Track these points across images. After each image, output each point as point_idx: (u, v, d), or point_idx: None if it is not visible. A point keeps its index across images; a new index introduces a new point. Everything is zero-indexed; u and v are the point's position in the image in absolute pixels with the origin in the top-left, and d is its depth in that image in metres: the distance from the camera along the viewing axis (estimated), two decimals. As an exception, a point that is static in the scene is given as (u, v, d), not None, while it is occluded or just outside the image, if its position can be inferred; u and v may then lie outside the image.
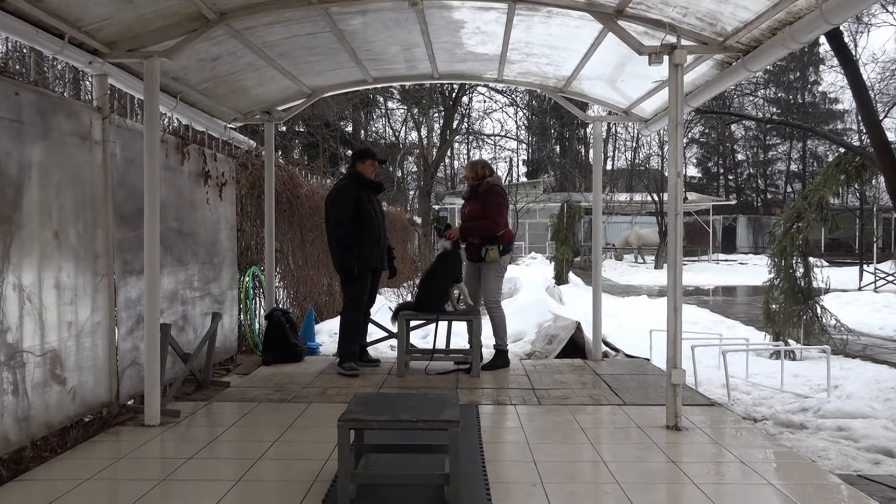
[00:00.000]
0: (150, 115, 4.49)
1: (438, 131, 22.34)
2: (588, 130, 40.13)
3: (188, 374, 5.38)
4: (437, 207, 31.37)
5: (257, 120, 7.20)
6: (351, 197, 6.04)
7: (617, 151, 41.32)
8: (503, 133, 23.98)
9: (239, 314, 7.11)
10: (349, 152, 25.57)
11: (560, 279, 19.19)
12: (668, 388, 4.44)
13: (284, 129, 19.22)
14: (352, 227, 6.01)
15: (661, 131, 26.44)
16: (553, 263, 20.32)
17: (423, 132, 21.54)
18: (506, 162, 38.78)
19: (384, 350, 7.91)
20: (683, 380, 4.47)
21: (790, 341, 8.53)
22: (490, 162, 6.56)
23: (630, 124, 31.38)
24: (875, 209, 28.34)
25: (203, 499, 3.25)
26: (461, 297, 6.32)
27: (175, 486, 3.43)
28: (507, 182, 37.28)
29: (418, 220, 21.42)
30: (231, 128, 6.99)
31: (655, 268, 27.36)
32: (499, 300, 6.39)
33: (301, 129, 22.02)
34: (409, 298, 10.59)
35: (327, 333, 8.55)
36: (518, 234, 27.62)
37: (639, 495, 3.29)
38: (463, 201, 6.62)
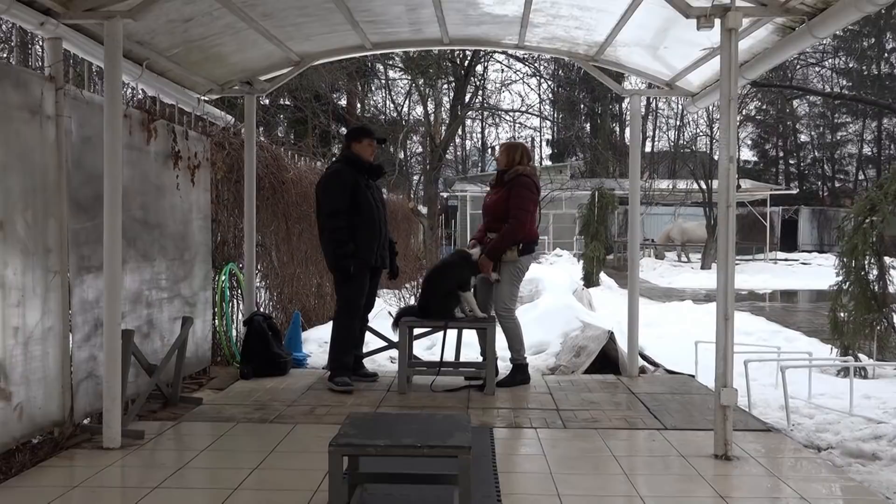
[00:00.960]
0: (112, 85, 4.51)
1: (448, 106, 22.34)
2: (624, 106, 40.07)
3: (154, 388, 5.40)
4: (445, 195, 31.42)
5: (236, 92, 7.21)
6: (346, 183, 6.05)
7: (658, 130, 41.24)
8: (524, 108, 23.94)
9: (213, 319, 7.12)
10: (343, 130, 25.68)
11: (590, 281, 19.17)
12: (717, 411, 4.43)
13: (267, 102, 19.28)
14: (347, 219, 6.02)
15: (711, 107, 26.34)
16: (581, 262, 20.31)
17: (430, 107, 21.57)
18: (527, 142, 38.83)
19: (383, 363, 7.91)
20: (735, 401, 4.46)
21: (861, 356, 8.47)
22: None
23: (674, 99, 31.46)
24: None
25: (170, 535, 3.27)
26: (468, 309, 6.29)
27: (138, 520, 3.45)
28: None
29: (423, 209, 21.47)
30: (205, 101, 7.01)
31: (702, 268, 27.29)
32: (512, 309, 6.37)
33: (287, 103, 22.08)
34: (412, 302, 10.62)
35: (316, 342, 8.56)
36: (540, 229, 27.61)
37: (681, 536, 3.28)
38: (489, 188, 6.64)
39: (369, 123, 20.75)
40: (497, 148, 6.63)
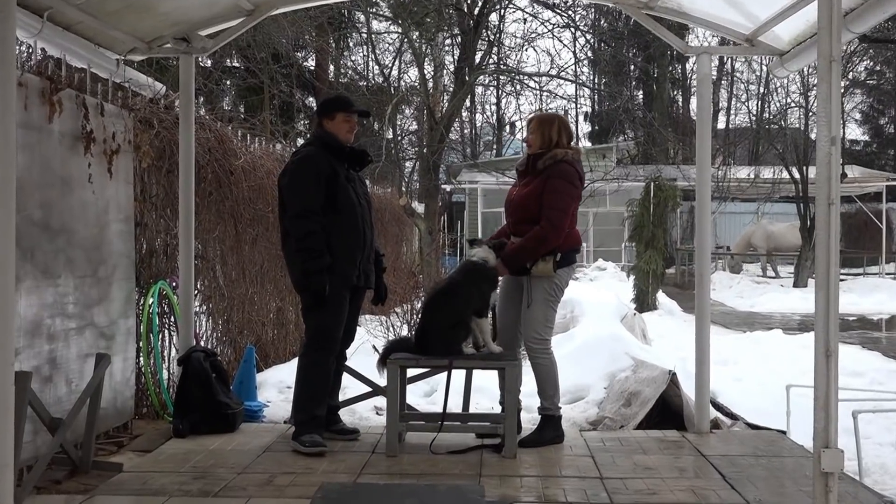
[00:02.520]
0: (2, 43, 4.52)
1: (452, 69, 22.36)
2: (689, 67, 40.09)
3: (58, 450, 5.39)
4: (448, 188, 31.45)
5: (168, 52, 7.23)
6: (319, 173, 6.07)
7: (735, 101, 41.29)
8: (554, 71, 23.91)
9: (138, 356, 7.13)
10: (311, 102, 25.76)
11: (644, 303, 19.14)
12: (816, 480, 4.42)
13: (210, 63, 19.33)
14: (321, 222, 6.04)
15: (806, 70, 26.37)
16: (633, 277, 20.28)
17: (428, 70, 21.59)
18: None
19: (366, 414, 7.91)
20: (840, 466, 4.44)
21: None
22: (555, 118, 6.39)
23: (756, 59, 31.52)
24: None
25: None
26: (481, 341, 6.28)
27: None
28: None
29: (419, 207, 21.49)
30: (128, 63, 7.04)
31: (795, 285, 27.27)
32: (548, 340, 6.38)
33: (236, 65, 22.14)
34: (405, 333, 10.60)
35: (276, 387, 8.55)
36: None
37: None
38: (516, 176, 6.62)
39: (345, 92, 20.78)
40: (525, 124, 6.60)
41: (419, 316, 6.62)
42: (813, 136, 25.40)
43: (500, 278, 6.49)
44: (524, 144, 6.58)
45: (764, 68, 31.71)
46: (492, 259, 6.23)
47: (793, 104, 31.89)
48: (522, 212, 6.29)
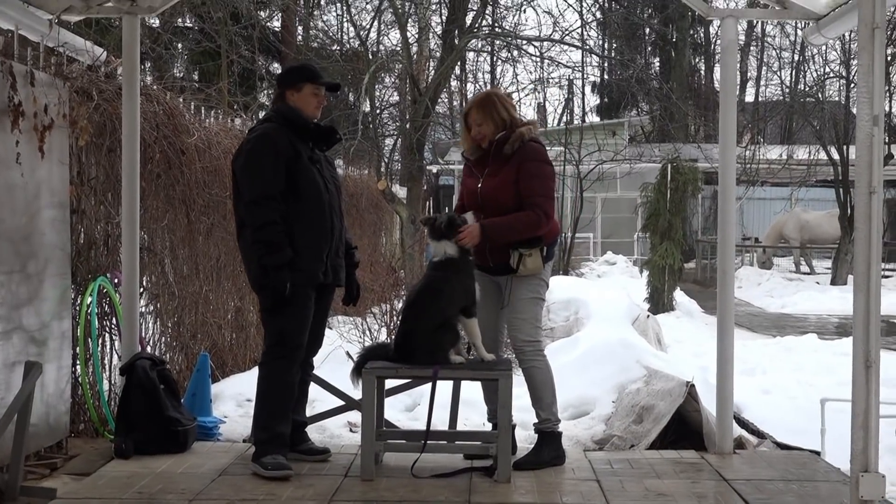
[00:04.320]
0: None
1: (439, 31, 22.32)
2: (712, 31, 40.09)
3: (-20, 474, 5.39)
4: (434, 169, 31.44)
5: (110, 10, 7.20)
6: (279, 154, 6.08)
7: (766, 69, 41.32)
8: (557, 35, 23.84)
9: (74, 364, 7.11)
10: (276, 68, 25.67)
11: (659, 303, 19.21)
12: (855, 509, 4.44)
13: (157, 22, 19.22)
14: (281, 210, 6.05)
15: (847, 36, 26.34)
16: (646, 273, 20.33)
17: (412, 32, 21.53)
18: (561, 89, 38.77)
19: (337, 431, 7.92)
20: (881, 492, 4.47)
21: None
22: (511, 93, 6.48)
23: (789, 24, 31.46)
24: None
25: None
26: (472, 346, 6.29)
27: None
28: (563, 123, 37.32)
29: (401, 192, 21.47)
30: (62, 24, 7.01)
31: (833, 282, 27.32)
32: (540, 342, 6.44)
33: (189, 25, 22.04)
34: (383, 338, 10.60)
35: (234, 400, 8.56)
36: (582, 221, 27.64)
37: None
38: (465, 166, 6.63)
39: (314, 59, 20.71)
40: (461, 118, 6.58)
41: (399, 319, 6.61)
42: (855, 110, 25.43)
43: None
44: (468, 139, 6.49)
45: (799, 33, 31.68)
46: (454, 252, 6.19)
47: (832, 74, 31.89)
48: (495, 203, 6.29)
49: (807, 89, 34.13)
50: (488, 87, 29.27)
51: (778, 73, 39.08)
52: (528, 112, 36.60)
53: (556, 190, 6.46)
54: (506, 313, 6.42)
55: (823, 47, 30.55)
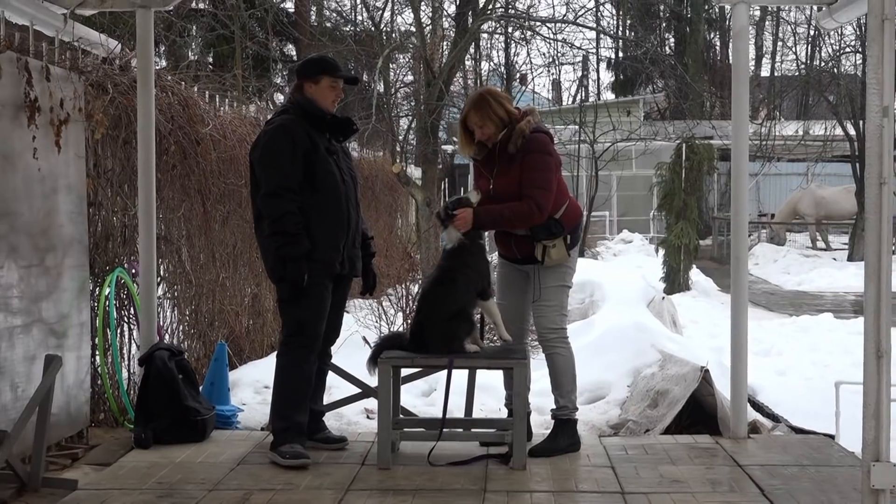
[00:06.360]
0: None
1: (452, 13, 22.22)
2: (726, 8, 39.76)
3: (3, 466, 5.43)
4: (449, 150, 31.40)
5: (124, 4, 7.20)
6: (296, 146, 6.10)
7: (782, 45, 41.05)
8: (571, 16, 23.66)
9: (93, 355, 7.16)
10: (291, 51, 25.62)
11: (675, 282, 19.19)
12: (866, 498, 4.45)
13: (171, 10, 19.19)
14: (299, 202, 6.07)
15: (859, 21, 26.06)
16: (662, 253, 20.29)
17: (425, 13, 21.43)
18: (575, 68, 38.58)
19: (355, 418, 7.95)
20: (894, 482, 4.46)
21: None
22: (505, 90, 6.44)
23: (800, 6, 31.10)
24: None
25: None
26: (489, 327, 6.36)
27: None
28: (577, 101, 37.12)
29: (415, 173, 21.43)
30: (76, 18, 7.02)
31: (850, 258, 27.15)
32: (565, 328, 6.47)
33: (201, 5, 21.95)
34: (399, 323, 10.63)
35: (252, 387, 8.59)
36: (598, 200, 27.55)
37: None
38: (475, 167, 6.64)
39: (326, 43, 20.61)
40: (459, 125, 6.55)
41: (415, 310, 6.63)
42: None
43: (498, 264, 6.59)
44: (467, 146, 6.50)
45: (812, 8, 31.46)
46: (459, 238, 6.24)
47: (848, 47, 31.65)
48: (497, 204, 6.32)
49: (822, 64, 33.92)
50: (504, 70, 29.08)
51: (793, 48, 38.84)
52: (541, 92, 36.50)
53: (562, 174, 6.40)
54: (531, 303, 6.46)
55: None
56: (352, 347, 8.91)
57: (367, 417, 7.99)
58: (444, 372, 6.38)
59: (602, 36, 32.75)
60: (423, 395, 8.59)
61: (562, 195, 6.38)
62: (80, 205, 6.76)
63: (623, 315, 10.33)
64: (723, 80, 36.64)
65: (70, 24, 6.91)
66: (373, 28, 21.82)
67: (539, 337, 6.52)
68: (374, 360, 6.31)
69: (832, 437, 7.16)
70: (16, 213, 5.96)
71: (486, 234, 6.58)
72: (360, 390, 7.50)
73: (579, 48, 27.72)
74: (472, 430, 6.75)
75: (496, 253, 6.70)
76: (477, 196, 6.34)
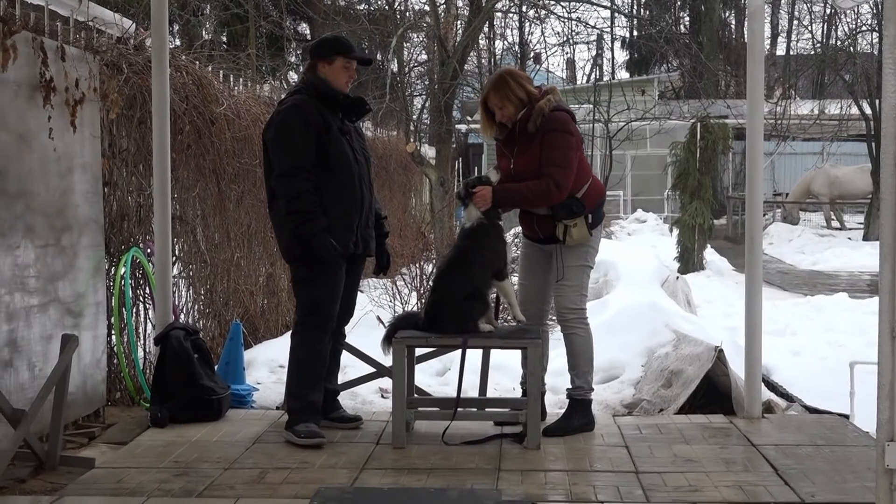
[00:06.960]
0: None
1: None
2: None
3: (21, 445, 5.46)
4: (464, 129, 31.36)
5: (138, -17, 7.21)
6: (310, 126, 6.09)
7: (797, 24, 40.85)
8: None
9: (109, 334, 7.18)
10: (305, 29, 25.58)
11: (689, 262, 19.13)
12: (880, 478, 4.43)
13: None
14: (313, 181, 6.08)
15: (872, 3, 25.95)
16: (676, 232, 20.24)
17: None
18: (590, 47, 38.44)
19: (369, 397, 7.97)
20: (909, 462, 4.45)
21: None
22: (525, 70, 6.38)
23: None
24: None
25: None
26: (504, 307, 6.36)
27: None
28: (591, 80, 37.00)
29: (430, 153, 21.39)
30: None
31: (866, 238, 27.01)
32: (584, 310, 6.48)
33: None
34: (413, 302, 10.64)
35: (267, 366, 8.61)
36: (612, 179, 27.45)
37: None
38: (496, 147, 6.61)
39: (340, 22, 20.56)
40: (480, 105, 6.52)
41: (430, 289, 6.65)
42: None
43: (522, 244, 6.57)
44: (489, 126, 6.49)
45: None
46: (479, 217, 6.25)
47: (864, 27, 31.48)
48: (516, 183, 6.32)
49: (838, 43, 33.75)
50: (519, 49, 28.99)
51: (809, 27, 38.64)
52: (556, 71, 36.36)
53: (583, 153, 6.40)
54: (552, 283, 6.45)
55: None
56: (366, 327, 8.92)
57: (382, 397, 8.01)
58: (459, 351, 6.40)
59: (616, 15, 32.64)
60: (437, 375, 8.60)
61: (584, 174, 6.35)
62: (95, 185, 6.78)
63: (637, 295, 10.30)
64: (738, 58, 36.51)
65: (85, 3, 6.92)
66: (387, 7, 21.80)
67: (558, 317, 6.54)
68: (388, 340, 6.32)
69: (847, 416, 7.15)
70: (32, 193, 5.98)
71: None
72: (374, 370, 7.51)
73: (594, 27, 27.64)
74: (487, 409, 6.76)
75: (515, 229, 6.69)
76: (496, 175, 6.34)
